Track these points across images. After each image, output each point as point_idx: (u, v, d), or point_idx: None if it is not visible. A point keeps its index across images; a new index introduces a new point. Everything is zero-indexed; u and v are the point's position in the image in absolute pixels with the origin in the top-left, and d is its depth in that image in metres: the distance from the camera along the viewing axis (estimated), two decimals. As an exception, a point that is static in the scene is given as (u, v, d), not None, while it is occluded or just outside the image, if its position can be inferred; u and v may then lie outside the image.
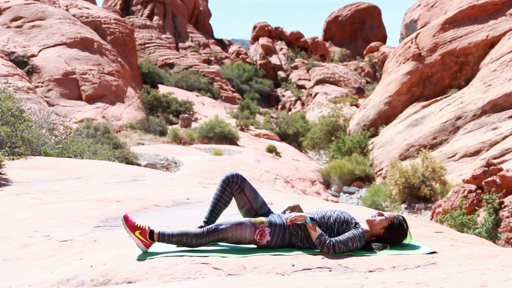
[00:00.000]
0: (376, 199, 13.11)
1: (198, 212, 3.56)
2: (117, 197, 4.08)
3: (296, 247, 2.52)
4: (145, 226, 2.49)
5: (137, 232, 2.47)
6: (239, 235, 2.49)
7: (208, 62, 39.48)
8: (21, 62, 19.25)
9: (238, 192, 2.63)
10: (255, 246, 2.56)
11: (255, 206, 2.64)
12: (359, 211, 3.32)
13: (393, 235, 2.53)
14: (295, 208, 2.71)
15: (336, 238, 2.43)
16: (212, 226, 2.50)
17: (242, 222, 2.50)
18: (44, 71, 19.46)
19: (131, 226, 2.48)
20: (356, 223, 2.53)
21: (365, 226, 2.55)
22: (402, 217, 2.59)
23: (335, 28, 47.10)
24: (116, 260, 2.41)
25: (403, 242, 2.57)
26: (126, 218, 2.49)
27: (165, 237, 2.48)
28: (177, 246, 2.51)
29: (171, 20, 41.80)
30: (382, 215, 2.55)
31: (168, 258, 2.38)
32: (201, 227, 2.57)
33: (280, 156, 18.42)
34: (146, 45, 36.94)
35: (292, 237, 2.51)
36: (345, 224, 2.50)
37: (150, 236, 2.48)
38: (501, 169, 8.47)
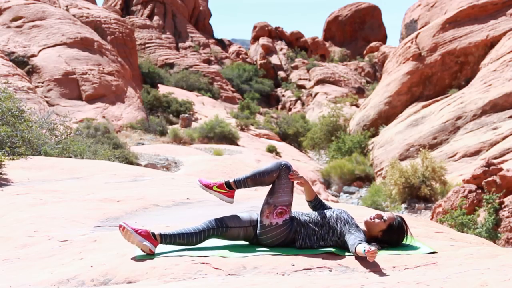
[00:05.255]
0: (376, 199, 13.11)
1: (199, 212, 3.56)
2: (117, 197, 4.08)
3: (296, 246, 2.51)
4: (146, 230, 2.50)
5: (135, 245, 2.47)
6: (242, 234, 2.54)
7: (208, 62, 39.49)
8: (21, 62, 19.26)
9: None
10: (250, 241, 2.52)
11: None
12: (359, 211, 3.32)
13: (391, 238, 2.52)
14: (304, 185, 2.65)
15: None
16: (216, 225, 2.49)
17: (246, 228, 2.52)
18: (44, 71, 19.47)
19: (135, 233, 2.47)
20: (357, 225, 2.52)
21: (362, 227, 2.54)
22: (401, 218, 2.56)
23: (335, 28, 47.10)
24: (116, 260, 2.41)
25: (402, 242, 2.56)
26: (126, 226, 2.46)
27: (167, 238, 2.48)
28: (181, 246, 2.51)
29: (171, 20, 41.80)
30: (381, 217, 2.52)
31: (168, 258, 2.38)
32: (227, 183, 2.55)
33: (280, 156, 18.42)
34: (146, 45, 36.95)
35: (296, 234, 2.50)
36: (347, 224, 2.49)
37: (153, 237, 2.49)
38: (501, 169, 8.46)
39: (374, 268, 2.22)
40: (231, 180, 2.56)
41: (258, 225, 2.52)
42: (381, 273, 2.18)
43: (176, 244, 2.49)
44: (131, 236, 2.44)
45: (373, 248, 2.19)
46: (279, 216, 2.46)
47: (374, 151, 18.57)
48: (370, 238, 2.52)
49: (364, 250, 2.20)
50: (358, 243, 2.30)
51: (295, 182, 2.59)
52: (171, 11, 42.16)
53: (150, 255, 2.43)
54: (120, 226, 2.46)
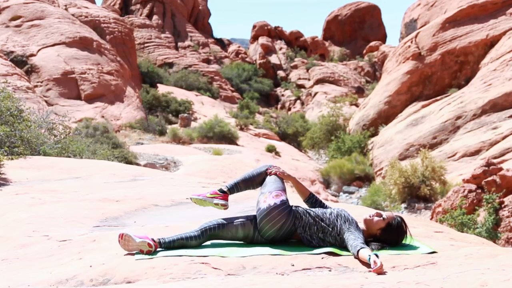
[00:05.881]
0: (376, 198, 13.11)
1: (198, 212, 3.55)
2: (116, 197, 4.07)
3: (298, 232, 2.50)
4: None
5: (136, 249, 2.47)
6: (238, 233, 2.54)
7: (207, 61, 39.46)
8: (20, 62, 19.24)
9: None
10: (250, 239, 2.52)
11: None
12: (359, 211, 3.31)
13: (390, 237, 2.51)
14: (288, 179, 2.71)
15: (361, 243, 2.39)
16: (213, 223, 2.51)
17: (244, 223, 2.52)
18: (43, 70, 19.45)
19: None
20: (357, 224, 2.52)
21: (361, 226, 2.54)
22: (401, 217, 2.56)
23: (335, 27, 47.08)
24: (115, 260, 2.40)
25: (402, 242, 2.55)
26: (124, 232, 2.49)
27: (165, 243, 2.48)
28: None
29: (171, 20, 41.77)
30: (381, 215, 2.53)
31: (168, 258, 2.37)
32: (220, 190, 2.64)
33: (279, 156, 18.44)
34: (145, 45, 36.92)
35: (296, 221, 2.50)
36: (347, 222, 2.49)
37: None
38: (501, 169, 8.46)
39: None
40: (223, 187, 2.64)
41: (257, 214, 2.52)
42: (380, 273, 2.17)
43: (175, 248, 2.48)
44: (130, 240, 2.44)
45: (379, 261, 2.14)
46: (275, 197, 2.50)
47: (373, 151, 18.58)
48: (368, 237, 2.52)
49: (370, 258, 2.18)
50: (362, 247, 2.29)
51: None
52: (170, 10, 42.13)
53: (150, 253, 2.42)
54: (120, 235, 2.46)
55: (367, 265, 2.22)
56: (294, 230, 2.49)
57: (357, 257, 2.29)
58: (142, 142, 17.69)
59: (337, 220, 2.48)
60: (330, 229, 2.48)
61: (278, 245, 2.52)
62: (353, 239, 2.36)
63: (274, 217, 2.46)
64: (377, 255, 2.21)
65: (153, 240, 2.46)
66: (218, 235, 2.52)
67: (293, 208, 2.52)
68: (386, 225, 2.50)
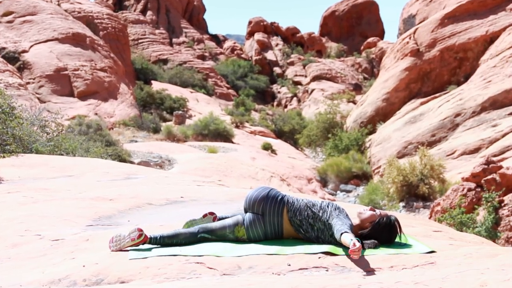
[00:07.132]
0: (373, 197, 13.12)
1: (192, 210, 3.51)
2: (109, 195, 4.03)
3: (289, 217, 2.54)
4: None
5: (129, 243, 2.49)
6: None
7: (202, 58, 39.31)
8: (12, 58, 19.08)
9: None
10: (245, 240, 2.56)
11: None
12: (356, 210, 3.29)
13: (381, 232, 2.53)
14: None
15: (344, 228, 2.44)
16: (204, 229, 2.57)
17: (234, 215, 2.64)
18: (36, 67, 19.29)
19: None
20: (347, 214, 2.58)
21: (355, 221, 2.57)
22: (395, 217, 2.59)
23: (332, 23, 47.02)
24: (109, 259, 2.37)
25: (395, 241, 2.56)
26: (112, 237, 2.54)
27: (156, 239, 2.50)
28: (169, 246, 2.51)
29: (165, 15, 41.55)
30: (374, 210, 2.60)
31: (162, 258, 2.35)
32: (210, 213, 2.73)
33: (275, 154, 18.42)
34: (139, 41, 36.72)
35: (288, 204, 2.56)
36: (337, 210, 2.56)
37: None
38: (501, 167, 8.44)
39: (371, 267, 2.19)
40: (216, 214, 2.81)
41: (244, 202, 2.61)
42: (378, 273, 2.14)
43: (164, 244, 2.49)
44: (120, 238, 2.47)
45: (358, 244, 2.16)
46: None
47: (371, 149, 18.58)
48: (360, 229, 2.55)
49: (351, 241, 2.21)
50: (345, 231, 2.34)
51: None
52: (164, 6, 41.89)
53: (140, 237, 2.43)
54: (109, 240, 2.50)
55: (362, 258, 2.25)
56: (283, 207, 2.53)
57: (339, 240, 2.35)
58: (136, 139, 17.61)
59: (327, 207, 2.56)
60: (320, 214, 2.53)
61: (273, 241, 2.52)
62: (340, 224, 2.42)
63: (258, 188, 2.60)
64: (359, 241, 2.25)
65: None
66: (208, 226, 2.55)
67: (283, 194, 2.62)
68: (378, 219, 2.53)
